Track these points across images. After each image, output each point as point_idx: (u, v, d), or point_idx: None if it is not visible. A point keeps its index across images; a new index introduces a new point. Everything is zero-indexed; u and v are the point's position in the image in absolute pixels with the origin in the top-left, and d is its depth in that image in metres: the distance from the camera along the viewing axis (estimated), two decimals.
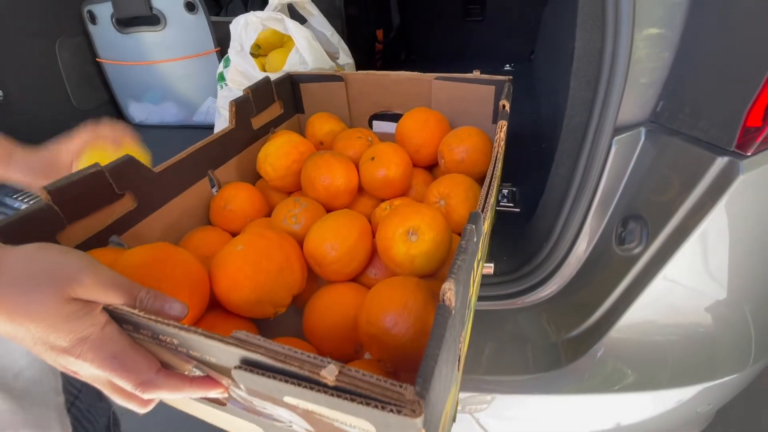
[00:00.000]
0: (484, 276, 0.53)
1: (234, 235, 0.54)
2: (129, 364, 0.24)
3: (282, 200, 0.56)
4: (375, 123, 0.74)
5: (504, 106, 0.48)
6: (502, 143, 0.45)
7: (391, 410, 0.18)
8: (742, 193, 0.36)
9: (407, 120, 0.59)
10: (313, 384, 0.20)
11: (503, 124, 0.45)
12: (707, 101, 0.38)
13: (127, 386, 0.24)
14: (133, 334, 0.27)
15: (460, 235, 0.44)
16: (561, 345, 0.48)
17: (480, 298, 0.51)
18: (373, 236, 0.44)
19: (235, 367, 0.23)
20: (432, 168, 0.63)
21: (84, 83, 0.98)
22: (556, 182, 0.50)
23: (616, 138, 0.42)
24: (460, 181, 0.48)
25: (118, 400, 0.25)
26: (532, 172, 0.69)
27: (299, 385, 0.20)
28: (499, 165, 0.46)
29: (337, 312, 0.38)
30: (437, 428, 0.23)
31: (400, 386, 0.19)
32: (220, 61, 0.89)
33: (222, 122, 0.86)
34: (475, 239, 0.28)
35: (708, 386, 0.43)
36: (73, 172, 0.40)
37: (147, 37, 0.91)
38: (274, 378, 0.21)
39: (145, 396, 0.24)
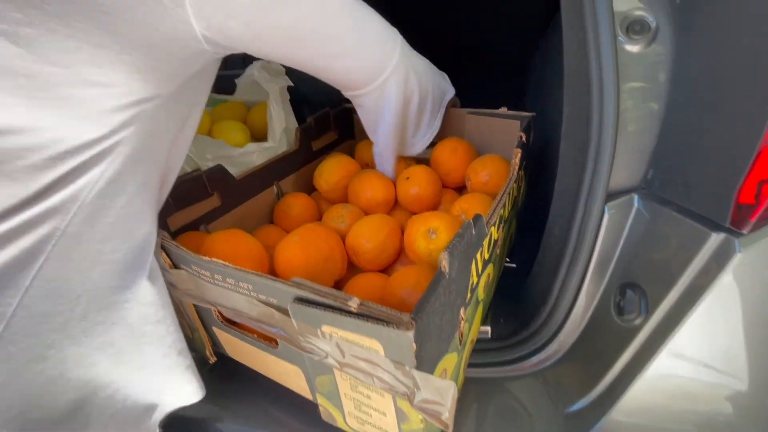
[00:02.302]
0: (481, 341, 0.53)
1: None
2: None
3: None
4: None
5: (521, 137, 0.57)
6: (517, 168, 0.53)
7: (393, 327, 0.27)
8: (743, 271, 0.34)
9: (439, 148, 0.69)
10: (342, 311, 0.29)
11: (517, 152, 0.53)
12: (696, 174, 0.37)
13: None
14: (219, 283, 0.38)
15: None
16: (562, 419, 0.45)
17: (477, 365, 0.50)
18: (400, 236, 0.54)
19: (292, 302, 0.32)
20: (461, 190, 0.71)
21: None
22: (551, 242, 0.50)
23: (609, 203, 0.42)
24: (480, 199, 0.56)
25: None
26: (528, 223, 0.65)
27: (333, 312, 0.30)
28: (513, 185, 0.53)
29: (367, 294, 0.47)
30: (430, 362, 0.31)
31: (400, 314, 0.28)
32: None
33: None
34: (473, 231, 0.37)
35: None
36: (183, 174, 0.54)
37: None
38: (317, 308, 0.31)
39: None
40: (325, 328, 0.32)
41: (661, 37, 0.40)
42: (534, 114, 0.66)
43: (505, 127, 0.70)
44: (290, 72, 1.09)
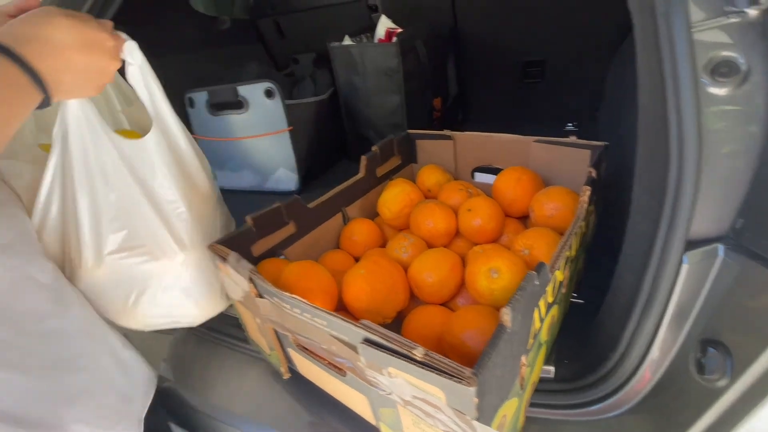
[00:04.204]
0: (544, 381, 0.52)
1: (356, 258, 0.70)
2: None
3: (394, 235, 0.71)
4: (477, 174, 0.84)
5: (591, 174, 0.55)
6: (585, 205, 0.52)
7: (455, 380, 0.29)
8: None
9: (502, 177, 0.69)
10: (408, 359, 0.32)
11: (587, 190, 0.52)
12: None
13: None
14: (297, 315, 0.43)
15: None
16: None
17: (539, 405, 0.49)
18: (462, 272, 0.55)
19: (360, 343, 0.36)
20: (524, 219, 0.70)
21: None
22: (622, 287, 0.47)
23: (688, 253, 0.39)
24: (544, 234, 0.56)
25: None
26: (598, 250, 0.61)
27: (399, 358, 0.32)
28: (582, 224, 0.52)
29: (426, 327, 0.50)
30: (491, 410, 0.32)
31: (463, 368, 0.30)
32: (291, 139, 1.06)
33: None
34: (536, 282, 0.37)
35: None
36: (267, 208, 0.61)
37: (232, 118, 1.09)
38: (383, 352, 0.34)
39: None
40: (391, 370, 0.34)
41: (753, 79, 0.37)
42: (606, 144, 0.63)
43: (573, 156, 0.68)
44: (357, 96, 1.15)
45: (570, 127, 1.26)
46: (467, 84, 1.42)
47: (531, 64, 1.31)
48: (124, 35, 0.45)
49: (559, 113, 1.30)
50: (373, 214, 0.80)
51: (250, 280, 0.46)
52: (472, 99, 1.46)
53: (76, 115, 0.44)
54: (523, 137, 0.73)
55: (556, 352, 0.55)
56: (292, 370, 0.58)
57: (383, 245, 0.73)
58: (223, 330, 0.71)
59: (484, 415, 0.31)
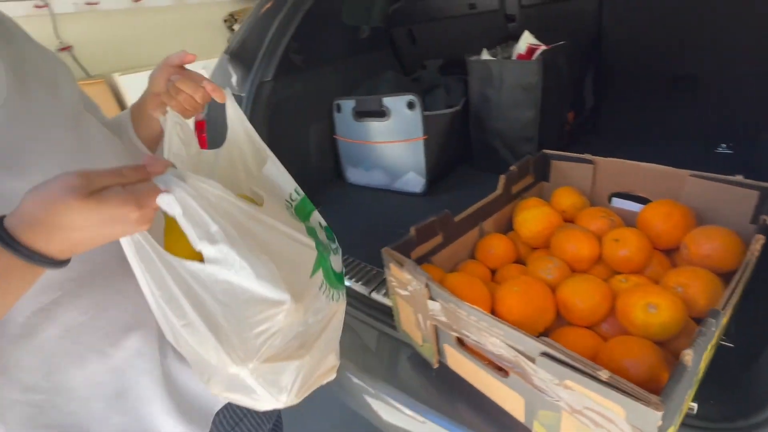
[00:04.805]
0: (687, 416, 0.51)
1: (491, 270, 0.78)
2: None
3: (529, 252, 0.77)
4: (615, 200, 0.85)
5: (765, 220, 0.54)
6: (757, 253, 0.52)
7: (642, 403, 0.35)
8: None
9: (651, 210, 0.69)
10: (591, 377, 0.39)
11: (760, 239, 0.52)
12: None
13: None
14: (473, 322, 0.52)
15: (693, 319, 0.54)
16: None
17: None
18: (611, 300, 0.59)
19: (540, 355, 0.43)
20: (670, 252, 0.71)
21: (321, 151, 1.34)
22: None
23: None
24: (700, 274, 0.57)
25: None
26: (755, 295, 0.57)
27: (582, 374, 0.39)
28: (748, 272, 0.52)
29: (577, 346, 0.55)
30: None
31: (649, 394, 0.36)
32: (424, 146, 1.15)
33: None
34: (713, 328, 0.41)
35: None
36: (426, 221, 0.71)
37: (373, 124, 1.22)
38: (564, 366, 0.41)
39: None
40: (568, 383, 0.42)
41: None
42: None
43: (734, 194, 0.66)
44: (489, 108, 1.19)
45: (723, 148, 1.15)
46: (604, 96, 1.37)
47: (680, 77, 1.22)
48: (166, 180, 0.35)
49: (708, 132, 1.20)
50: (505, 228, 0.86)
51: (426, 286, 0.57)
52: (609, 112, 1.40)
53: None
54: (677, 170, 0.72)
55: (699, 390, 0.57)
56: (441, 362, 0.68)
57: (516, 260, 0.79)
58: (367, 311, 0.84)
59: None
